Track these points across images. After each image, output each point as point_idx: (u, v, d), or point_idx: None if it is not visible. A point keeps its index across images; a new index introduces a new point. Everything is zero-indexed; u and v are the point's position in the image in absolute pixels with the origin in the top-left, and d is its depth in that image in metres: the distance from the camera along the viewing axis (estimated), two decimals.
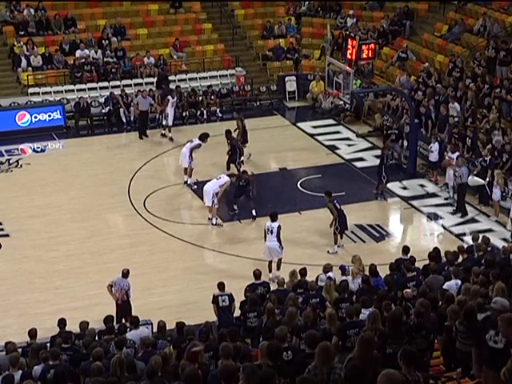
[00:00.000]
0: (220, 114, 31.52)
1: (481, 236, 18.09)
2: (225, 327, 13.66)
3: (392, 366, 8.53)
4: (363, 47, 26.27)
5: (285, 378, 9.31)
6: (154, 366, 10.48)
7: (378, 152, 26.62)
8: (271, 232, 19.71)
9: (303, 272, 16.72)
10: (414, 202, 24.43)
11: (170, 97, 29.34)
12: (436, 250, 17.49)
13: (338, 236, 21.43)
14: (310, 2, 36.69)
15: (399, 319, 11.16)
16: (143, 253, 21.44)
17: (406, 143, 26.92)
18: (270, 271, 19.82)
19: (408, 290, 14.80)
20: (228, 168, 25.37)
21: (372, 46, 26.77)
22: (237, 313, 16.07)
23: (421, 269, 16.46)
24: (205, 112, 31.32)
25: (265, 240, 19.89)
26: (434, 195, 24.74)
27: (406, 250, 17.59)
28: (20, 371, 11.74)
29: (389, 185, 24.88)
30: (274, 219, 19.93)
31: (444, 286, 14.48)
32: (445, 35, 32.33)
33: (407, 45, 32.62)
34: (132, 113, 30.15)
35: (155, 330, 15.08)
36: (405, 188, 25.37)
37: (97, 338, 14.02)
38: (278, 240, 19.70)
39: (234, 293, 16.35)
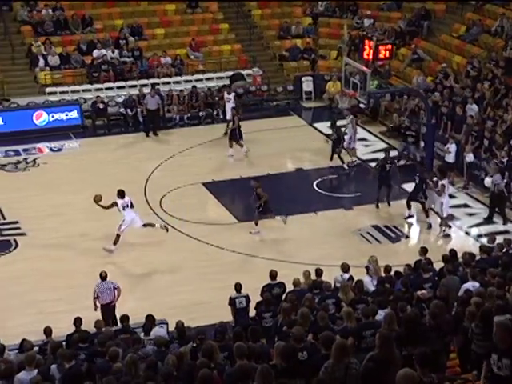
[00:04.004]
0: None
1: (499, 238, 17.98)
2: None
3: (407, 367, 8.50)
4: (380, 48, 26.24)
5: (300, 379, 9.29)
6: (169, 366, 10.48)
7: (395, 153, 26.61)
8: None
9: (319, 272, 16.69)
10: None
11: (226, 93, 29.68)
12: (452, 251, 17.41)
13: (266, 214, 22.04)
14: (327, 2, 36.64)
15: (415, 321, 11.11)
16: (158, 252, 21.46)
17: (422, 144, 26.84)
18: None
19: (424, 292, 14.74)
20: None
21: (389, 46, 26.75)
22: (252, 313, 16.05)
23: (437, 271, 16.38)
24: (221, 112, 31.33)
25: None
26: (450, 196, 24.60)
27: (423, 250, 17.51)
28: (36, 370, 11.75)
29: (404, 185, 24.74)
30: None
31: (461, 288, 14.41)
32: (462, 36, 32.22)
33: (415, 45, 32.53)
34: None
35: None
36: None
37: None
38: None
39: (250, 293, 16.32)
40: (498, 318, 10.32)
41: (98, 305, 17.27)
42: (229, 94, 29.78)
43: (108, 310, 17.27)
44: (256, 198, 22.21)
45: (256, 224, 22.31)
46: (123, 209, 21.22)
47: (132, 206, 21.30)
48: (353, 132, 27.16)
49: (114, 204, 21.18)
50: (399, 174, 24.72)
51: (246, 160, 27.26)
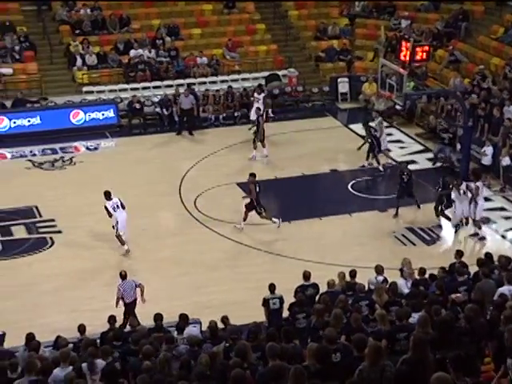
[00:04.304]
0: (272, 115, 31.53)
1: None
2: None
3: (441, 371, 8.45)
4: (417, 49, 26.06)
5: (333, 381, 9.27)
6: (203, 366, 10.50)
7: (431, 155, 26.49)
8: None
9: (353, 274, 16.63)
10: None
11: (255, 93, 29.59)
12: (488, 254, 17.25)
13: (264, 212, 22.22)
14: (364, 3, 36.51)
15: (449, 324, 11.03)
16: (192, 252, 21.53)
17: (459, 146, 26.65)
18: None
19: (458, 295, 14.63)
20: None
21: (426, 48, 26.56)
22: (285, 313, 16.03)
23: (472, 275, 16.24)
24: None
25: None
26: (486, 199, 24.38)
27: (459, 253, 17.38)
28: (70, 366, 11.85)
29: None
30: None
31: (497, 292, 14.27)
32: (501, 37, 31.92)
33: (453, 47, 32.28)
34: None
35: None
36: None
37: None
38: None
39: (283, 293, 16.30)
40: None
41: (121, 303, 17.40)
42: (259, 94, 29.66)
43: (131, 308, 17.43)
44: (248, 193, 22.41)
45: (269, 219, 22.43)
46: (114, 210, 21.21)
47: (123, 207, 21.28)
48: (381, 134, 27.05)
49: (105, 208, 21.14)
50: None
51: (280, 161, 27.21)
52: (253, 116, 28.74)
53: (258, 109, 28.09)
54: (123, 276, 17.55)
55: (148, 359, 11.43)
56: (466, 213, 22.37)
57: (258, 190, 22.35)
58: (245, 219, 22.40)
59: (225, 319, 14.96)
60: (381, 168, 26.47)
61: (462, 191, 22.16)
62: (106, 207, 21.13)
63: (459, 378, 8.55)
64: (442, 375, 7.61)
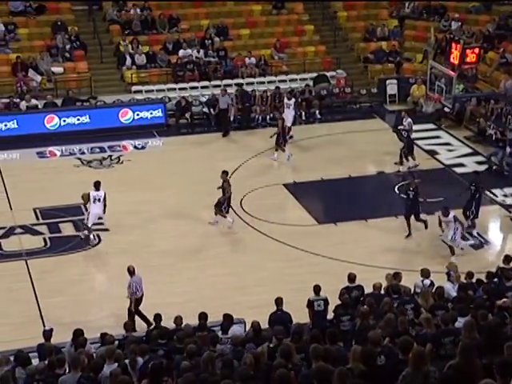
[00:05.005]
0: (319, 116, 31.46)
1: None
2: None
3: (487, 377, 8.34)
4: (467, 51, 25.86)
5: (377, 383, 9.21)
6: (247, 366, 10.50)
7: (480, 158, 26.16)
8: None
9: (398, 277, 16.52)
10: None
11: (286, 98, 29.32)
12: None
13: (224, 211, 22.32)
14: (414, 4, 36.24)
15: (496, 329, 10.89)
16: (238, 252, 21.57)
17: (509, 150, 26.33)
18: None
19: (506, 300, 14.45)
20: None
21: (476, 50, 26.34)
22: (330, 315, 15.98)
23: None
24: (303, 113, 31.34)
25: None
26: None
27: (508, 258, 17.16)
28: (116, 363, 11.94)
29: (488, 192, 24.32)
30: None
31: None
32: None
33: (504, 49, 31.89)
34: (232, 112, 30.41)
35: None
36: (506, 195, 24.78)
37: None
38: None
39: (328, 295, 16.25)
40: None
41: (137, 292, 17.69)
42: (289, 99, 29.09)
43: (138, 303, 17.77)
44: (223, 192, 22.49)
45: (224, 216, 22.55)
46: (93, 201, 21.55)
47: (104, 204, 21.58)
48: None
49: (88, 195, 21.57)
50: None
51: (328, 162, 27.14)
52: (290, 122, 28.48)
53: (278, 112, 28.04)
54: (131, 271, 17.77)
55: (192, 358, 11.47)
56: None
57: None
58: (224, 216, 22.59)
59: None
60: (411, 164, 26.30)
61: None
62: (88, 194, 21.50)
63: None
64: (489, 382, 7.51)
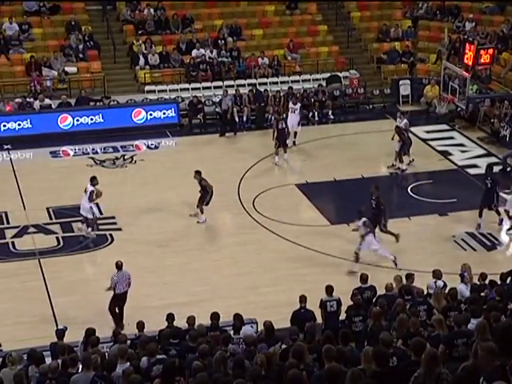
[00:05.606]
0: (332, 116, 31.44)
1: None
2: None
3: (500, 379, 8.31)
4: (481, 52, 25.76)
5: None
6: (258, 366, 10.50)
7: (493, 159, 26.05)
8: None
9: (410, 278, 16.49)
10: None
11: (291, 103, 29.09)
12: None
13: (202, 208, 22.75)
14: (428, 4, 36.16)
15: (509, 331, 10.85)
16: (250, 252, 21.59)
17: None
18: None
19: None
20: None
21: (491, 50, 26.25)
22: (342, 316, 15.97)
23: None
24: (316, 114, 31.32)
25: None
26: None
27: None
28: (128, 363, 11.96)
29: (503, 193, 24.22)
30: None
31: None
32: None
33: None
34: (245, 112, 30.43)
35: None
36: None
37: None
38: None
39: (340, 295, 16.23)
40: None
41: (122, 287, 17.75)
42: (294, 104, 28.77)
43: (120, 299, 17.81)
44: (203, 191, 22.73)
45: (201, 212, 22.87)
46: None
47: (89, 198, 21.77)
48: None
49: (90, 191, 21.83)
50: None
51: (341, 162, 27.12)
52: (295, 127, 28.31)
53: (276, 114, 28.02)
54: (119, 266, 17.79)
55: (204, 358, 11.48)
56: None
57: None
58: (202, 211, 22.87)
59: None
60: (404, 167, 26.24)
61: None
62: (86, 187, 21.84)
63: None
64: None
